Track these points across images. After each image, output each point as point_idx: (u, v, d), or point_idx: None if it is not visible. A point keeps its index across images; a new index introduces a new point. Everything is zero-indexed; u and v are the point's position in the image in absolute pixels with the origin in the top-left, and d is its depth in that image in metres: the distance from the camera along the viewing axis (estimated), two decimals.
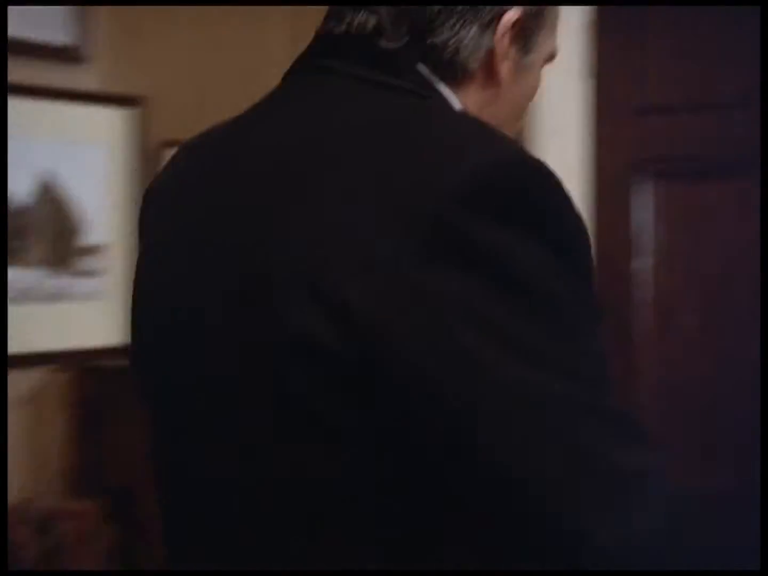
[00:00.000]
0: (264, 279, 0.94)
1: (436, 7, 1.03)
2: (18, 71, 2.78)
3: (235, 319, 0.96)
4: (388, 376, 0.89)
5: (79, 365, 2.93)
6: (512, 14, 1.06)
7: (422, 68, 1.04)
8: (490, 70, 1.07)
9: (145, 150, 3.06)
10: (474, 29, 1.04)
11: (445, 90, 1.06)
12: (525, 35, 1.08)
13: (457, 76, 1.06)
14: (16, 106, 2.75)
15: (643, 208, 2.68)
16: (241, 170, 1.02)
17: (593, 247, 0.98)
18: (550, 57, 1.14)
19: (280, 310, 0.92)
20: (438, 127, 0.97)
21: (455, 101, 1.06)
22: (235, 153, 1.04)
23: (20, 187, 2.80)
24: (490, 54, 1.06)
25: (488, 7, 1.05)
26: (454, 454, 0.89)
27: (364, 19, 1.04)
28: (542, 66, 1.13)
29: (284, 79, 1.09)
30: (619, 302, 2.64)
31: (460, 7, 1.04)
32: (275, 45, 3.24)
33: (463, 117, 1.03)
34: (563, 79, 2.64)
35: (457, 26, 1.04)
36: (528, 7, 1.07)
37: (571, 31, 2.65)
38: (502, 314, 0.88)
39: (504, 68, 1.07)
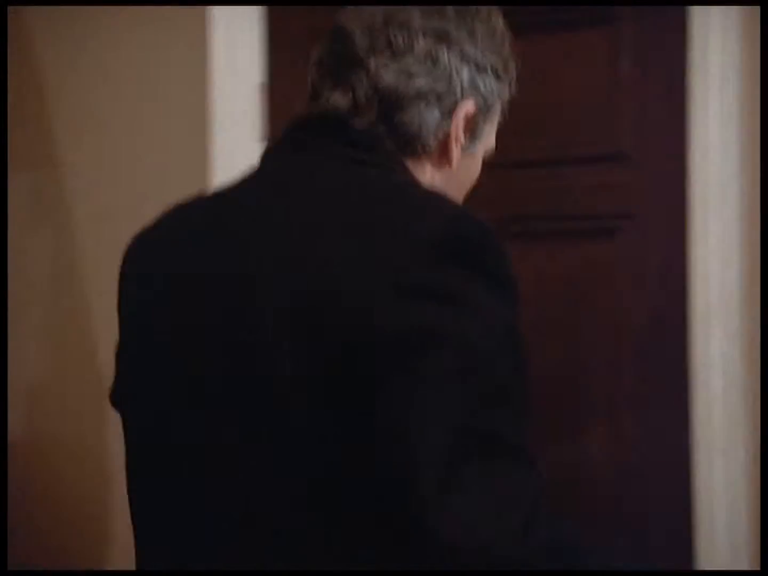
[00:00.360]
0: (259, 313, 1.09)
1: (410, 91, 1.22)
2: None
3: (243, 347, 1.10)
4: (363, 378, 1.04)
5: None
6: (469, 105, 1.26)
7: (389, 144, 1.22)
8: (444, 152, 1.26)
9: None
10: (436, 113, 1.24)
11: (407, 164, 1.24)
12: (475, 125, 1.28)
13: (416, 152, 1.25)
14: None
15: None
16: (230, 230, 1.17)
17: None
18: (490, 148, 1.34)
19: (275, 340, 1.07)
20: (405, 195, 1.15)
21: (414, 175, 1.24)
22: (226, 216, 1.20)
23: None
24: (446, 137, 1.26)
25: (450, 96, 1.24)
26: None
27: (339, 97, 1.23)
28: (482, 156, 1.33)
29: (266, 154, 1.27)
30: None
31: (426, 92, 1.23)
32: None
33: (422, 187, 1.22)
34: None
35: (423, 108, 1.23)
36: (481, 102, 1.27)
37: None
38: (456, 336, 1.04)
39: (456, 151, 1.27)
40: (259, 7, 2.64)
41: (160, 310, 1.19)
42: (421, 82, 1.22)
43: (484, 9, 1.30)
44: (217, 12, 2.61)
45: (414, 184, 1.21)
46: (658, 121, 2.41)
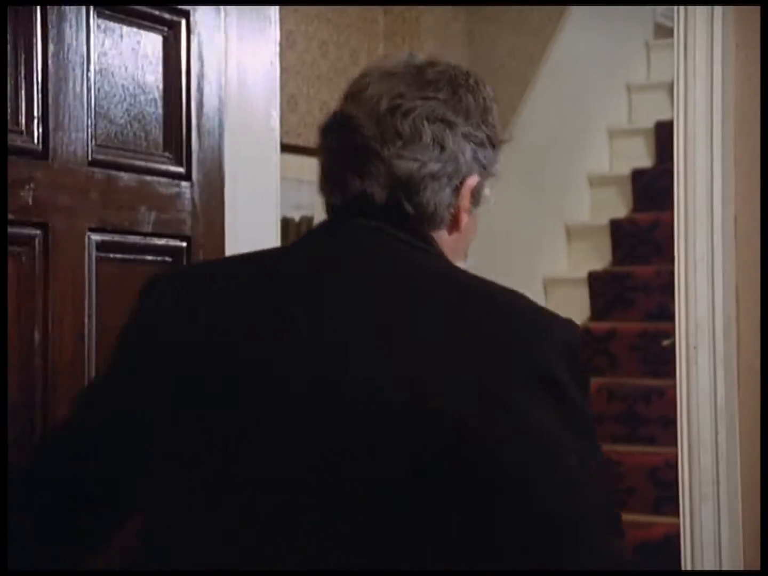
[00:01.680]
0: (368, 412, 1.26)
1: (423, 176, 1.38)
2: None
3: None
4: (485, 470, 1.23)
5: None
6: (474, 180, 1.43)
7: (424, 228, 1.40)
8: (455, 221, 1.44)
9: None
10: (447, 191, 1.41)
11: (432, 238, 1.42)
12: (478, 192, 1.45)
13: (434, 226, 1.42)
14: None
15: None
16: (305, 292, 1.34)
17: None
18: (486, 202, 1.50)
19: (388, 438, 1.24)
20: (511, 299, 1.35)
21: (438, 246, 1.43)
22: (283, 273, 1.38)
23: None
24: (456, 209, 1.42)
25: (458, 175, 1.41)
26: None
27: (367, 186, 1.38)
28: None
29: (320, 230, 1.43)
30: None
31: (437, 175, 1.39)
32: None
33: (498, 285, 1.37)
34: None
35: (436, 189, 1.39)
36: (484, 174, 1.45)
37: None
38: (580, 444, 1.27)
39: (464, 218, 1.44)
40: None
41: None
42: (432, 167, 1.38)
43: (471, 79, 1.45)
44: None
45: (489, 282, 1.37)
46: None
